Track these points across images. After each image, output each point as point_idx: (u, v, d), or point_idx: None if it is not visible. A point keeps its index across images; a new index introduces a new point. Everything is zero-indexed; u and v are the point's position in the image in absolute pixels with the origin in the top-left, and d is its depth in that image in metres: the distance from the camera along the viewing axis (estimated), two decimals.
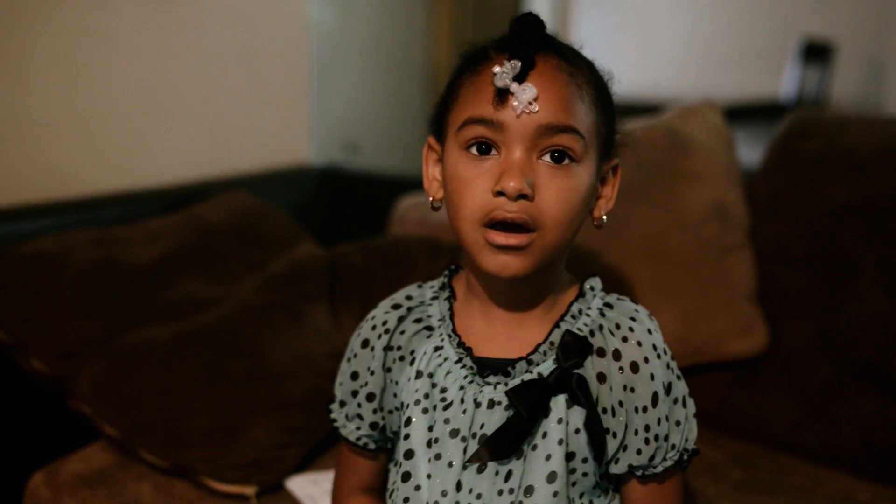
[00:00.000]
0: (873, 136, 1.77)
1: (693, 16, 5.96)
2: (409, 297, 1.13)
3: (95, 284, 1.61)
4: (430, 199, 1.07)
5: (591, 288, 1.07)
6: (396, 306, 1.12)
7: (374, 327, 1.12)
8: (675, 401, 1.03)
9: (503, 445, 0.99)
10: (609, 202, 1.06)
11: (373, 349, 1.12)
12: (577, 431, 0.99)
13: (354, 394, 1.14)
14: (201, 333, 1.59)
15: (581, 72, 0.97)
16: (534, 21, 0.95)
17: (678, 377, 1.05)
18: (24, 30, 1.76)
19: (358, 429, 1.15)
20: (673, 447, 1.03)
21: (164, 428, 1.48)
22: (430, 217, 1.96)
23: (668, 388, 1.02)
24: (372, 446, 1.15)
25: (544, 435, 0.99)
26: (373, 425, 1.14)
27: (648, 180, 1.79)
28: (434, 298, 1.12)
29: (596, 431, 0.98)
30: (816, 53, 4.93)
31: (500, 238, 0.94)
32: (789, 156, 1.84)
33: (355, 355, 1.14)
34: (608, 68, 1.06)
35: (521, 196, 0.93)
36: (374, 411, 1.13)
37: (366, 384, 1.13)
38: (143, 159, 2.04)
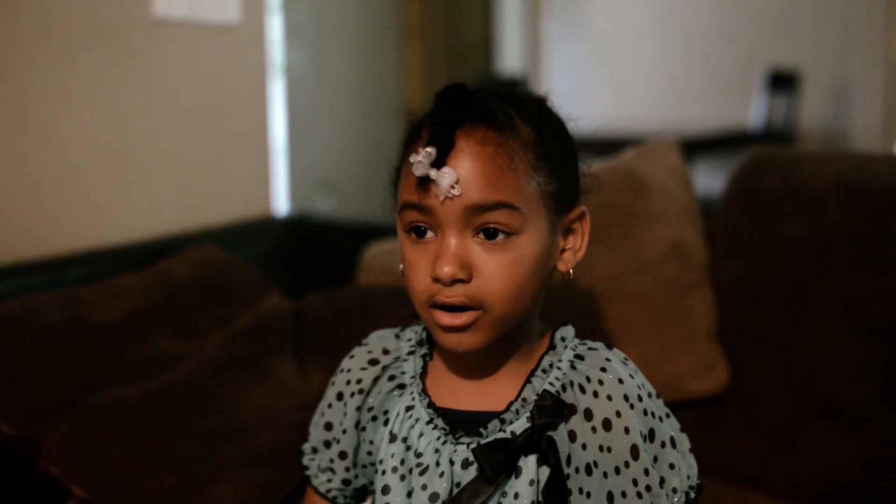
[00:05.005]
0: (826, 172, 1.80)
1: (661, 49, 6.02)
2: (386, 352, 1.13)
3: (62, 345, 1.62)
4: (401, 266, 1.07)
5: (563, 339, 1.06)
6: (373, 362, 1.12)
7: (348, 382, 1.12)
8: (663, 444, 1.01)
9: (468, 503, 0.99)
10: (578, 252, 1.05)
11: (346, 405, 1.12)
12: None
13: (327, 444, 1.15)
14: (167, 391, 1.60)
15: (514, 136, 0.96)
16: (455, 95, 0.95)
17: (661, 418, 1.02)
18: None
19: (329, 481, 1.15)
20: (674, 490, 1.01)
21: (132, 487, 1.48)
22: (397, 265, 1.98)
23: (650, 436, 1.00)
24: (341, 500, 1.16)
25: (516, 496, 0.98)
26: (345, 482, 1.15)
27: (607, 222, 1.81)
28: (410, 353, 1.11)
29: (555, 492, 0.97)
30: (783, 82, 4.99)
31: (446, 319, 0.95)
32: (746, 193, 1.88)
33: (329, 406, 1.14)
34: (565, 113, 1.05)
35: (458, 280, 0.94)
36: (347, 469, 1.14)
37: (338, 441, 1.13)
38: (107, 217, 2.05)
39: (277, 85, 2.44)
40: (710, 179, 3.74)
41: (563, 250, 1.04)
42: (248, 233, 2.34)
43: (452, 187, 0.92)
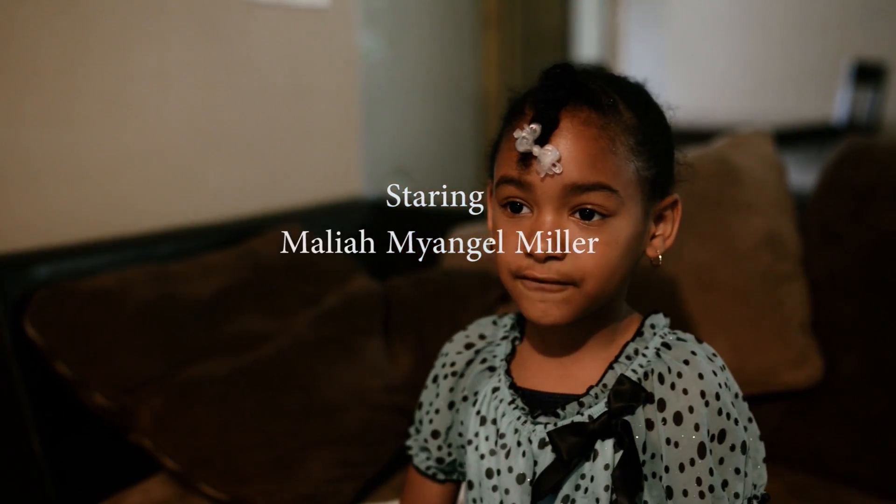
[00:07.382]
0: None
1: (742, 40, 5.94)
2: (482, 337, 1.16)
3: (154, 320, 1.64)
4: (487, 241, 1.09)
5: (653, 326, 1.05)
6: (469, 346, 1.15)
7: (444, 364, 1.16)
8: (732, 448, 0.97)
9: (542, 486, 1.00)
10: (668, 240, 1.05)
11: (439, 386, 1.16)
12: None
13: (423, 424, 1.19)
14: (257, 368, 1.61)
15: (616, 119, 0.96)
16: (561, 74, 0.95)
17: (737, 421, 0.98)
18: (80, 69, 1.81)
19: (427, 459, 1.19)
20: (736, 495, 0.98)
21: (223, 461, 1.50)
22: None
23: (719, 437, 0.97)
24: (441, 476, 1.19)
25: (592, 479, 0.98)
26: (439, 459, 1.18)
27: (699, 211, 1.79)
28: (504, 338, 1.14)
29: (629, 476, 0.96)
30: (868, 75, 4.88)
31: (536, 294, 0.97)
32: (840, 184, 1.84)
33: (426, 387, 1.18)
34: (664, 102, 1.05)
35: (552, 258, 0.94)
36: (440, 447, 1.17)
37: (431, 421, 1.17)
38: (198, 195, 2.07)
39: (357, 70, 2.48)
40: (792, 173, 3.67)
41: (654, 236, 1.05)
42: (335, 214, 2.35)
43: (554, 165, 0.93)
